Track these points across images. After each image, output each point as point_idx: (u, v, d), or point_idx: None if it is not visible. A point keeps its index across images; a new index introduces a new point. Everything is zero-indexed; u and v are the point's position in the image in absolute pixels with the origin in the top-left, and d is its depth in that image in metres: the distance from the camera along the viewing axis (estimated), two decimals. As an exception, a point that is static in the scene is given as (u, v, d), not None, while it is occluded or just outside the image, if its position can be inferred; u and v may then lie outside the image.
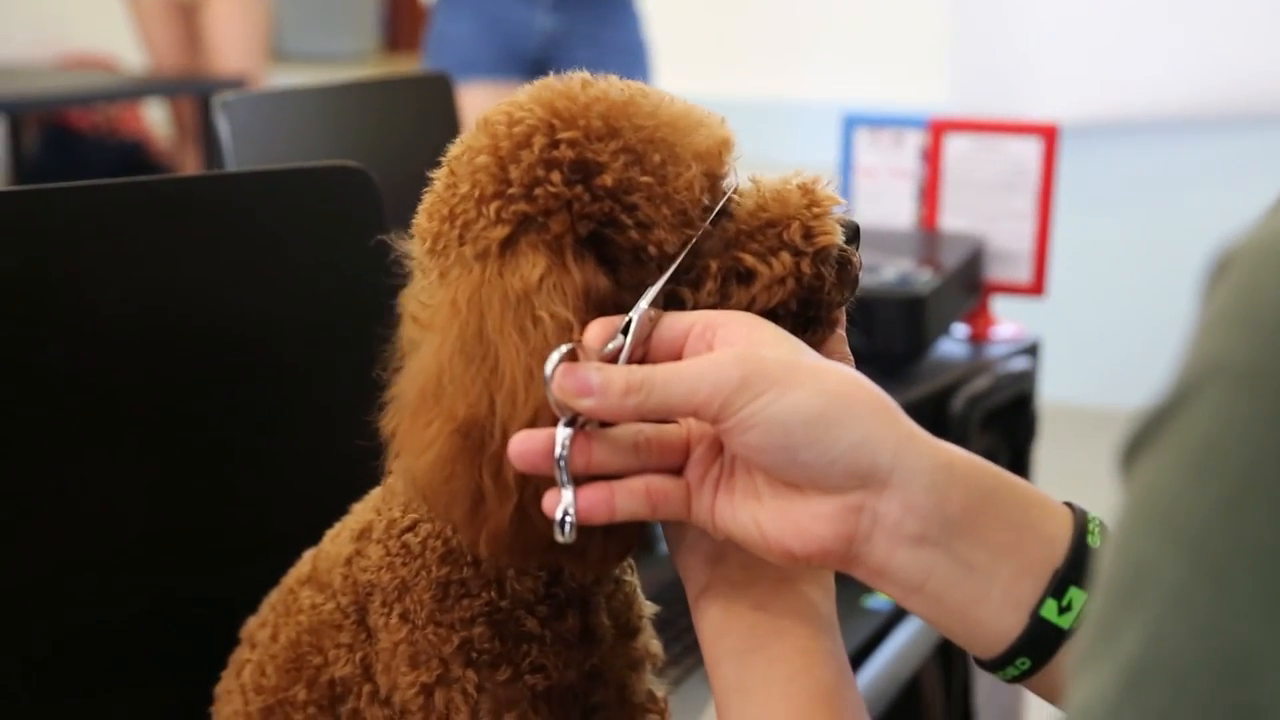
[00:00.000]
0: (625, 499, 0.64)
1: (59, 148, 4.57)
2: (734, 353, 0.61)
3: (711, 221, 0.68)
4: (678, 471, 0.65)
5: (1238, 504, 0.35)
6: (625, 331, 0.64)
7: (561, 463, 0.62)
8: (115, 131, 4.68)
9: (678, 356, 0.64)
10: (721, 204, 0.68)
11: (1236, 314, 0.36)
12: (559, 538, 0.63)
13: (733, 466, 0.64)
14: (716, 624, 0.66)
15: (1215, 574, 0.35)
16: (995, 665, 0.62)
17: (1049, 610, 0.61)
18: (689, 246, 0.66)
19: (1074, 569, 0.61)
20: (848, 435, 0.60)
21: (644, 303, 0.65)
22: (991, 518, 0.61)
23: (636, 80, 2.44)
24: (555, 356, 0.62)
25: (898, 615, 1.43)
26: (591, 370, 0.62)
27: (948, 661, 1.60)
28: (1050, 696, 0.63)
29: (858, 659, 1.37)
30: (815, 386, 0.60)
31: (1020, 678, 0.62)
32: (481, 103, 2.69)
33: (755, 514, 0.63)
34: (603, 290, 0.66)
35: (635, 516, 0.64)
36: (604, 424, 0.64)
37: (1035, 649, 0.61)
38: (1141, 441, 0.38)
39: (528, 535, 0.66)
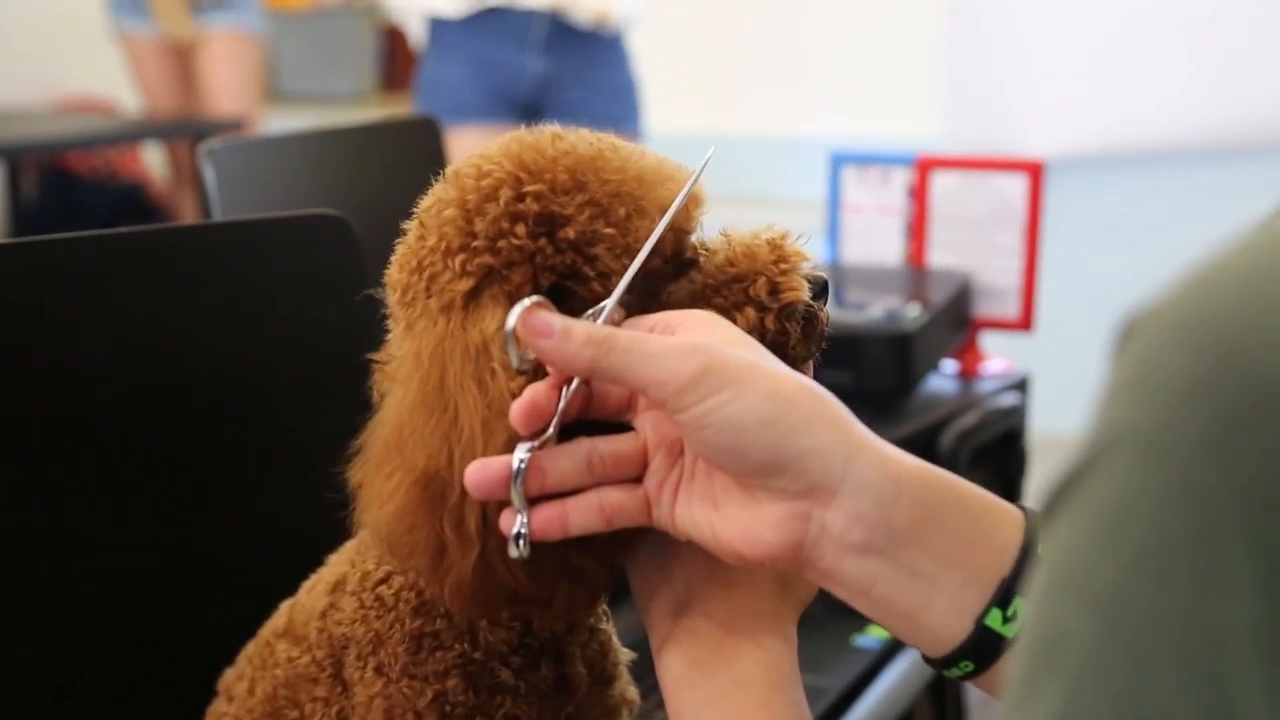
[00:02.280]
0: (579, 514, 0.65)
1: (58, 192, 4.58)
2: (696, 343, 0.62)
3: (676, 269, 0.69)
4: (636, 481, 0.66)
5: (1146, 571, 0.36)
6: None
7: (517, 482, 0.63)
8: (114, 174, 4.70)
9: None
10: (665, 221, 0.68)
11: (1138, 383, 0.37)
12: (513, 553, 0.63)
13: (693, 471, 0.65)
14: (678, 675, 0.67)
15: (1127, 640, 0.36)
16: (941, 664, 0.64)
17: (993, 619, 0.62)
18: (649, 247, 0.67)
19: (1021, 579, 0.61)
20: (801, 441, 0.61)
21: (609, 304, 0.66)
22: (939, 529, 0.62)
23: (628, 119, 2.49)
24: (518, 309, 0.62)
25: (888, 653, 1.42)
26: (554, 316, 0.62)
27: (940, 699, 1.59)
28: (997, 694, 0.64)
29: (849, 698, 1.37)
30: (771, 389, 0.61)
31: (965, 677, 0.64)
32: (473, 147, 2.69)
33: (710, 518, 0.64)
34: None
35: (589, 530, 0.65)
36: (560, 440, 0.65)
37: (979, 654, 0.62)
38: (1057, 503, 0.39)
39: (491, 585, 0.66)
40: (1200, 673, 0.34)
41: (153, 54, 3.90)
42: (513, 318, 0.62)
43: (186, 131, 3.88)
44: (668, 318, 0.66)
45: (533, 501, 0.64)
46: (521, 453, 0.63)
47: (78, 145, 4.17)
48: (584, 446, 0.65)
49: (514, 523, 0.63)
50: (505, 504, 0.64)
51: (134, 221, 4.40)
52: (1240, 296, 0.36)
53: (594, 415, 0.66)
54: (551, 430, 0.64)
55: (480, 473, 0.63)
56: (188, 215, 4.03)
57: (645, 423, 0.66)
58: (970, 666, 0.63)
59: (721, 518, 0.63)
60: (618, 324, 0.66)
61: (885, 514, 0.61)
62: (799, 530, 0.62)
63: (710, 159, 0.71)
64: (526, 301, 0.62)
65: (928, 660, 0.65)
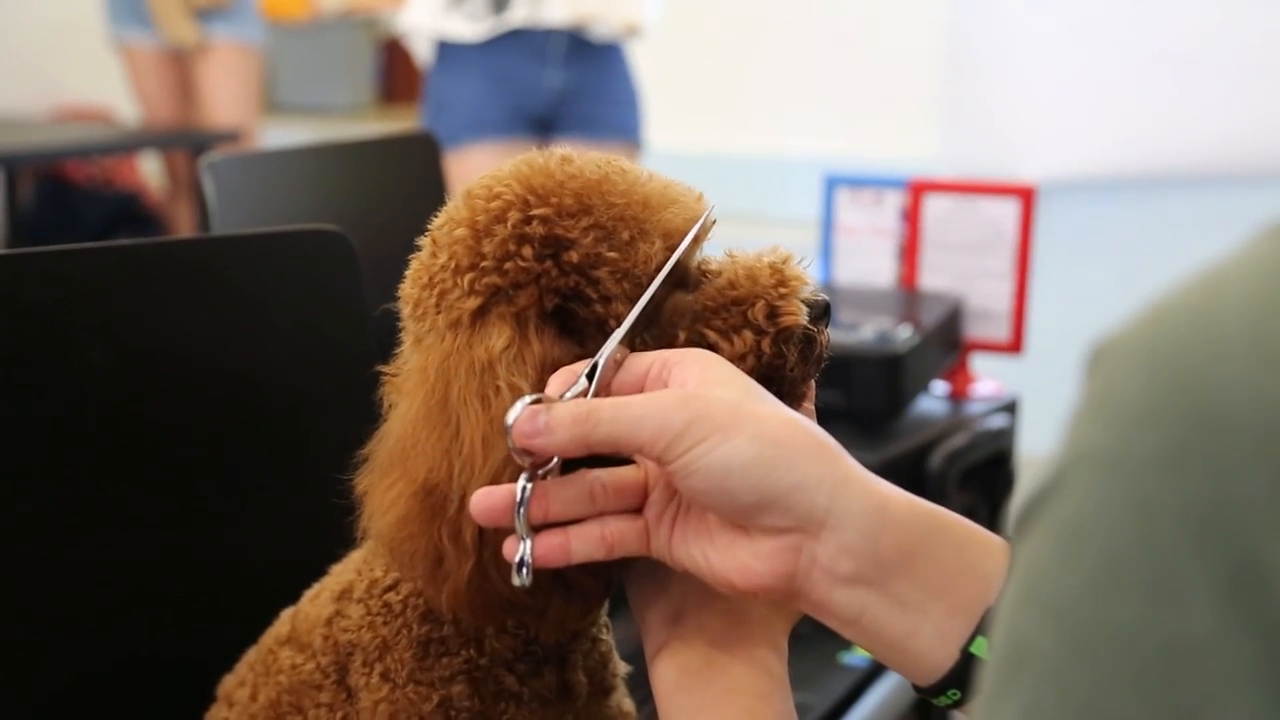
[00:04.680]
0: (581, 543, 0.66)
1: (54, 200, 4.59)
2: (680, 394, 0.64)
3: (678, 290, 0.70)
4: (637, 511, 0.68)
5: (1101, 584, 0.38)
6: (591, 377, 0.66)
7: (520, 513, 0.64)
8: (110, 183, 4.71)
9: None
10: (671, 261, 0.70)
11: (1099, 406, 0.39)
12: (515, 582, 0.65)
13: (689, 506, 0.67)
14: (670, 682, 0.69)
15: (1085, 649, 0.38)
16: (929, 693, 0.65)
17: (979, 647, 0.63)
18: (650, 292, 0.69)
19: None
20: (785, 479, 0.62)
21: (609, 348, 0.67)
22: (924, 559, 0.63)
23: (635, 128, 2.52)
24: (518, 406, 0.64)
25: (875, 671, 1.44)
26: (540, 411, 0.64)
27: (926, 717, 1.60)
28: None
29: (836, 715, 1.38)
30: (755, 430, 0.63)
31: (953, 706, 0.65)
32: (489, 163, 2.70)
33: (705, 550, 0.65)
34: (560, 361, 0.69)
35: (591, 559, 0.67)
36: (565, 470, 0.66)
37: (964, 682, 0.64)
38: (1025, 521, 0.41)
39: (487, 594, 0.68)
40: (1154, 683, 0.36)
41: (152, 64, 3.91)
42: (511, 416, 0.64)
43: (184, 142, 3.89)
44: (665, 357, 0.67)
45: (535, 529, 0.65)
46: (525, 482, 0.65)
47: (74, 154, 4.18)
48: (587, 477, 0.67)
49: (517, 550, 0.65)
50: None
51: (129, 231, 4.41)
52: (1196, 324, 0.38)
53: (596, 453, 0.67)
54: (555, 460, 0.66)
55: (485, 500, 0.65)
56: (183, 225, 4.04)
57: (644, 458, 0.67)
58: (957, 695, 0.64)
59: (716, 551, 0.65)
60: (620, 362, 0.67)
61: (872, 545, 0.63)
62: (790, 563, 0.64)
63: (710, 215, 0.72)
64: (518, 407, 0.64)
65: (916, 689, 0.66)
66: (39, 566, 0.90)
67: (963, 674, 0.63)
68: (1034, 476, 0.41)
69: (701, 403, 0.63)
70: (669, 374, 0.66)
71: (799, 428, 0.64)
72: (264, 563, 0.99)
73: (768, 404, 0.65)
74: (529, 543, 0.65)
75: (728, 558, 0.65)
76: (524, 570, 0.65)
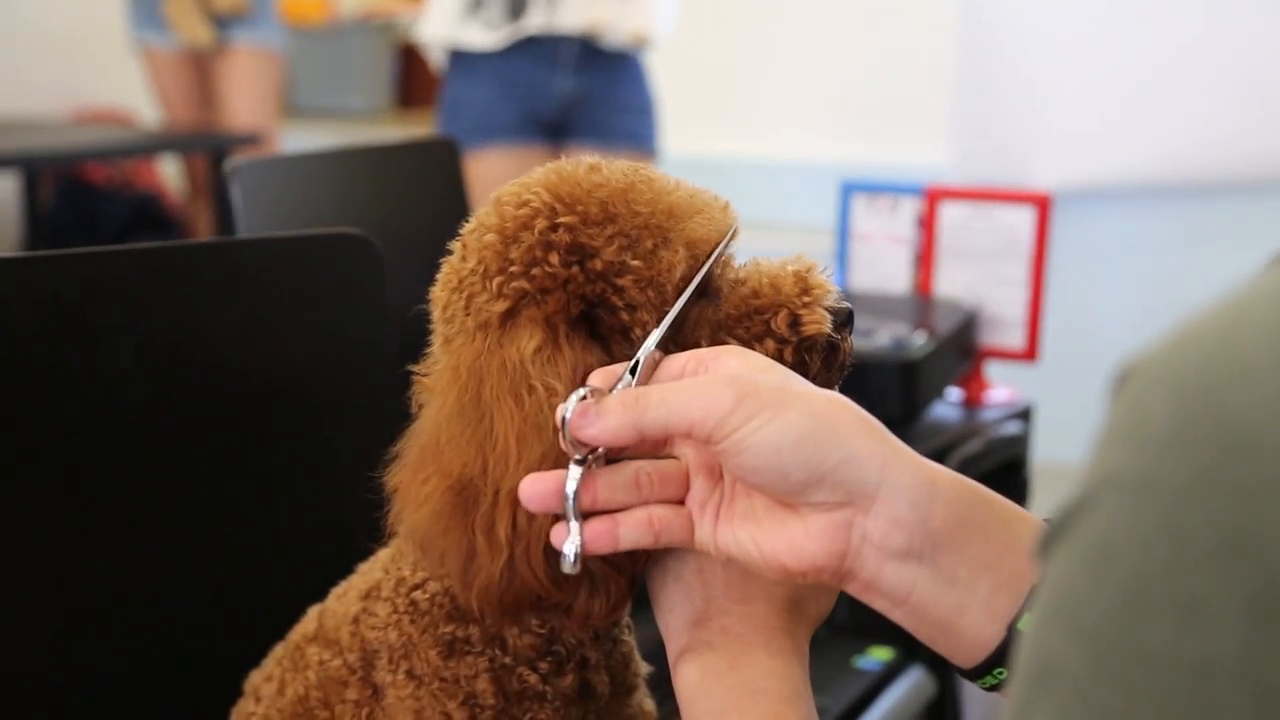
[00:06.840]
0: (629, 529, 0.67)
1: (74, 201, 4.61)
2: (727, 376, 0.65)
3: (701, 299, 0.72)
4: (679, 503, 0.69)
5: (1130, 605, 0.38)
6: (633, 374, 0.68)
7: (571, 499, 0.65)
8: (130, 185, 4.73)
9: None
10: (700, 275, 0.71)
11: (1127, 430, 0.40)
12: (565, 568, 0.66)
13: (733, 492, 0.67)
14: (693, 685, 0.69)
15: (1114, 669, 0.38)
16: (974, 674, 0.66)
17: (1025, 624, 0.63)
18: (684, 299, 0.70)
19: None
20: (836, 452, 0.63)
21: (649, 345, 0.69)
22: (973, 533, 0.64)
23: (648, 136, 2.54)
24: (572, 400, 0.65)
25: (888, 675, 1.45)
26: (591, 404, 0.65)
27: (939, 721, 1.61)
28: None
29: (850, 718, 1.39)
30: (804, 408, 0.63)
31: (997, 687, 0.65)
32: (501, 166, 2.74)
33: (753, 535, 0.66)
34: (591, 365, 0.70)
35: (639, 545, 0.67)
36: (610, 461, 0.67)
37: (1010, 661, 0.64)
38: (1053, 539, 0.42)
39: (517, 590, 0.69)
40: (1182, 703, 0.37)
41: (172, 67, 3.93)
42: (566, 409, 0.65)
43: (203, 145, 3.91)
44: (700, 354, 0.68)
45: (584, 516, 0.66)
46: (574, 468, 0.66)
47: (95, 156, 4.20)
48: (631, 466, 0.68)
49: (566, 535, 0.66)
50: (533, 515, 0.67)
51: (148, 233, 4.43)
52: (1222, 350, 0.39)
53: (635, 453, 0.69)
54: (601, 450, 0.67)
55: (535, 485, 0.66)
56: (202, 228, 4.06)
57: (684, 449, 0.69)
58: (1003, 674, 0.64)
59: (764, 534, 0.66)
60: (657, 362, 0.69)
61: (923, 516, 0.63)
62: (842, 540, 0.64)
63: (732, 236, 0.74)
64: (573, 400, 0.65)
65: (962, 673, 0.66)
66: (66, 563, 0.92)
67: (1009, 651, 0.63)
68: (1062, 496, 0.42)
69: (748, 382, 0.64)
70: (705, 369, 0.67)
71: (845, 405, 0.65)
72: (291, 560, 1.00)
73: (810, 386, 0.66)
74: (579, 527, 0.66)
75: (778, 540, 0.65)
76: (573, 557, 0.65)
